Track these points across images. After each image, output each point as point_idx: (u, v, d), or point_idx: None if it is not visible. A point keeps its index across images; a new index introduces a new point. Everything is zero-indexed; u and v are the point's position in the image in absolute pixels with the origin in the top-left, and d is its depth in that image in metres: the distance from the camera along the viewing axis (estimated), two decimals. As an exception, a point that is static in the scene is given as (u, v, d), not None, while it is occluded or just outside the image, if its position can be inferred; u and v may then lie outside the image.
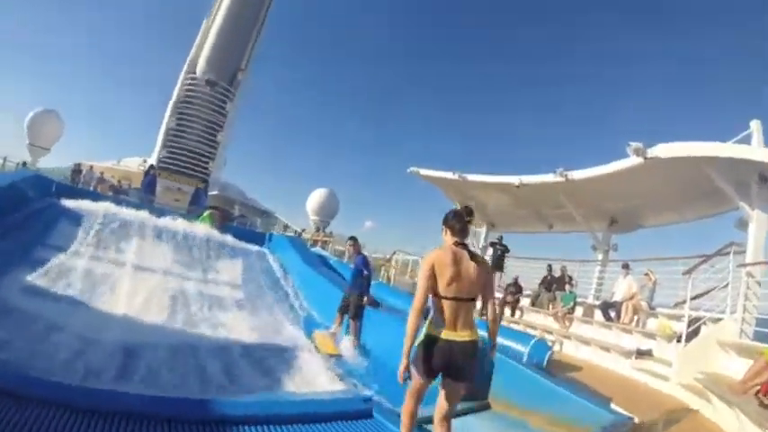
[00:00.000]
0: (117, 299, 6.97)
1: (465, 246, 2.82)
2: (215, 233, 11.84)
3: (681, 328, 6.23)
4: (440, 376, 2.78)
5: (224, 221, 14.54)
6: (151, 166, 20.69)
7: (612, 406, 4.18)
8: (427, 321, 2.76)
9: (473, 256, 2.79)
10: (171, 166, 30.70)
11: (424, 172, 13.71)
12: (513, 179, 11.01)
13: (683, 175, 7.86)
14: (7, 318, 5.35)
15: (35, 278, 6.87)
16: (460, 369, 2.71)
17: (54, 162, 23.32)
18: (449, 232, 2.87)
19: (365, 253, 8.61)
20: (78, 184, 16.06)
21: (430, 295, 2.73)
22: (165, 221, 11.30)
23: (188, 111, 31.55)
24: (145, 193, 17.82)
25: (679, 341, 6.11)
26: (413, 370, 2.72)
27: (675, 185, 8.50)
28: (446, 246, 2.82)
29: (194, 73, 31.96)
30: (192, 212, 15.27)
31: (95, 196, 12.68)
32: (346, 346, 6.63)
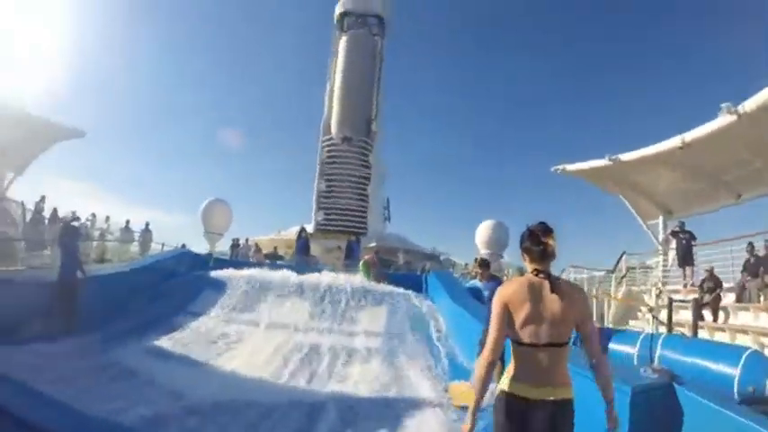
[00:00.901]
0: (236, 357, 7.03)
1: (547, 274, 2.17)
2: (364, 282, 11.53)
3: None
4: None
5: (377, 266, 14.12)
6: (302, 229, 22.05)
7: None
8: (504, 374, 2.23)
9: (556, 287, 2.13)
10: (328, 227, 32.63)
11: (570, 167, 11.87)
12: (675, 141, 8.61)
13: None
14: (119, 378, 5.72)
15: (161, 341, 7.44)
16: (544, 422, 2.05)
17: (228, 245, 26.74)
18: (527, 258, 2.24)
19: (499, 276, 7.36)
20: (237, 256, 17.62)
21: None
22: (309, 278, 11.31)
23: (333, 171, 33.39)
24: (299, 255, 18.99)
25: None
26: None
27: None
28: (524, 277, 2.24)
29: (330, 134, 33.93)
30: (349, 266, 15.45)
31: (249, 265, 13.52)
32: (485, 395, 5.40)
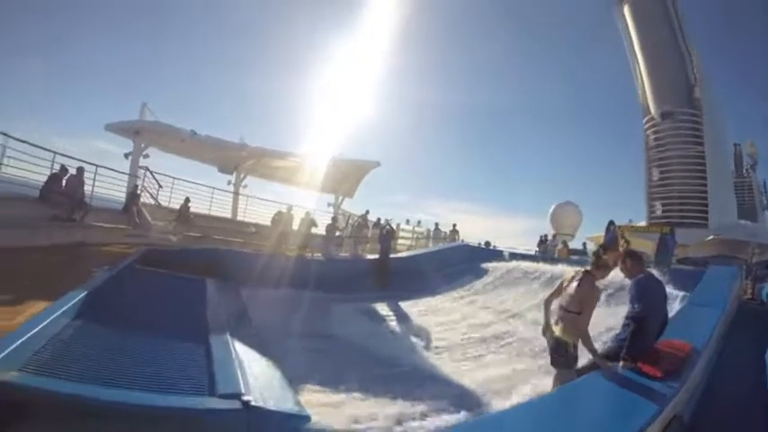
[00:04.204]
0: (422, 325, 8.65)
1: (586, 272, 3.94)
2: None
3: None
4: None
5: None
6: (610, 223, 22.32)
7: None
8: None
9: (581, 281, 3.86)
10: (664, 219, 29.68)
11: None
12: None
13: None
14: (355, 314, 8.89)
15: (398, 305, 9.95)
16: (549, 347, 4.04)
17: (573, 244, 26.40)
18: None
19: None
20: (545, 252, 18.58)
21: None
22: (562, 269, 10.80)
23: (662, 155, 29.74)
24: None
25: None
26: None
27: None
28: (575, 271, 4.16)
29: (649, 114, 30.38)
30: (659, 264, 13.14)
31: (546, 260, 13.86)
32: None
